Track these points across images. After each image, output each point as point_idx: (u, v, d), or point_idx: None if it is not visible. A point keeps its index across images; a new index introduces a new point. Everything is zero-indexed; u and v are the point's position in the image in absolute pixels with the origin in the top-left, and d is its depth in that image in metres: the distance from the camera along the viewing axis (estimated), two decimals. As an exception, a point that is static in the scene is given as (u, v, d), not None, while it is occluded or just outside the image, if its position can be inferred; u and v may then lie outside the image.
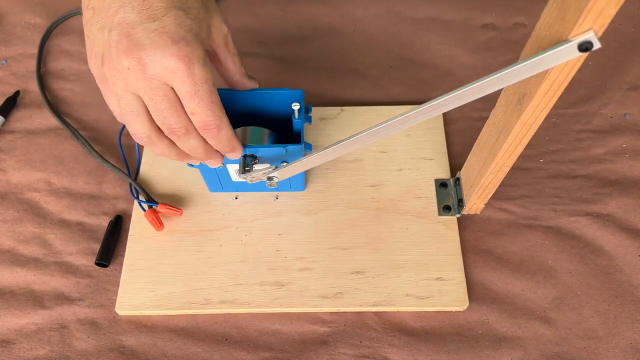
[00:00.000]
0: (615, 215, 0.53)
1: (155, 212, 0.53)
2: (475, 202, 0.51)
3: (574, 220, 0.53)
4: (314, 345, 0.48)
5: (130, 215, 0.54)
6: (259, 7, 0.69)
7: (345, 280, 0.50)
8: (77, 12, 0.68)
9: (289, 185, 0.54)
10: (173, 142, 0.40)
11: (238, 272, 0.51)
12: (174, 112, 0.37)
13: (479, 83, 0.33)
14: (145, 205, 0.53)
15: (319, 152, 0.42)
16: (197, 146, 0.41)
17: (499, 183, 0.47)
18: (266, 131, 0.48)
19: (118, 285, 0.51)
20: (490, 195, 0.49)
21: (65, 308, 0.50)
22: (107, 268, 0.52)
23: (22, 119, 0.61)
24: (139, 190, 0.54)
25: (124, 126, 0.57)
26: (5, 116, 0.60)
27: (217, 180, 0.53)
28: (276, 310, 0.50)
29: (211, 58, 0.42)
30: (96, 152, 0.57)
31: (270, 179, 0.46)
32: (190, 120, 0.38)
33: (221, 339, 0.49)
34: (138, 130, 0.39)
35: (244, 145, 0.45)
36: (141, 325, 0.49)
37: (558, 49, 0.30)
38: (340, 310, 0.50)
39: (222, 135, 0.40)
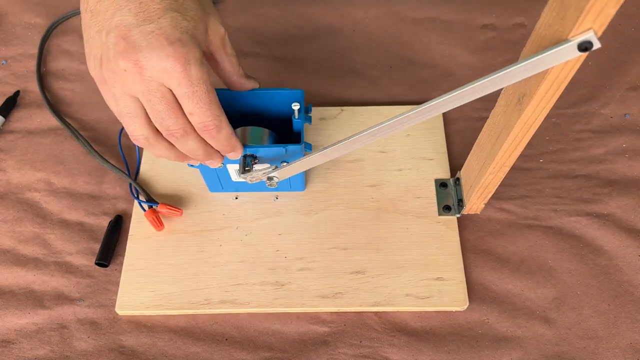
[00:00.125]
0: (615, 215, 0.53)
1: (156, 212, 0.53)
2: (475, 202, 0.51)
3: (574, 220, 0.53)
4: (314, 345, 0.48)
5: (130, 215, 0.54)
6: (259, 7, 0.69)
7: (345, 280, 0.50)
8: (77, 12, 0.68)
9: (289, 185, 0.54)
10: (172, 143, 0.40)
11: (238, 272, 0.51)
12: (171, 114, 0.37)
13: (478, 83, 0.33)
14: (145, 205, 0.53)
15: (319, 152, 0.42)
16: (197, 147, 0.41)
17: (499, 183, 0.47)
18: (266, 131, 0.48)
19: (118, 285, 0.51)
20: (490, 195, 0.49)
21: (65, 308, 0.50)
22: (107, 268, 0.52)
23: (22, 119, 0.61)
24: (139, 190, 0.54)
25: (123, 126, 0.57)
26: (5, 116, 0.60)
27: (217, 180, 0.53)
28: (276, 310, 0.50)
29: (209, 59, 0.42)
30: (96, 152, 0.57)
31: (270, 179, 0.46)
32: (189, 122, 0.38)
33: (221, 339, 0.49)
34: (136, 132, 0.39)
35: (244, 145, 0.45)
36: (141, 325, 0.49)
37: (558, 48, 0.30)
38: (340, 310, 0.50)
39: (221, 135, 0.40)
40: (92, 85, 0.62)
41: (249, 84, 0.46)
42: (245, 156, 0.45)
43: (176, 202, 0.55)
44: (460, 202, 0.53)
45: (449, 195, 0.54)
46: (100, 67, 0.37)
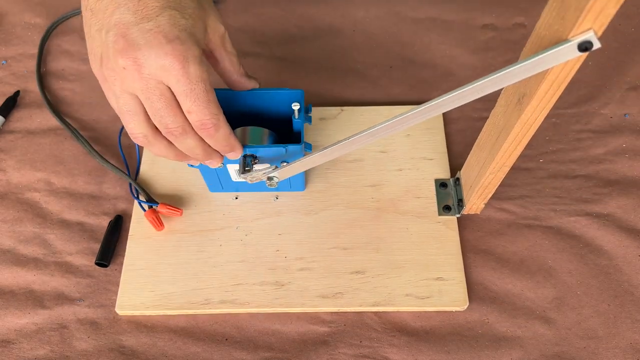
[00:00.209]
0: (615, 215, 0.53)
1: (156, 212, 0.53)
2: (475, 202, 0.51)
3: (573, 220, 0.53)
4: (314, 345, 0.48)
5: (130, 215, 0.54)
6: (259, 7, 0.69)
7: (345, 280, 0.50)
8: (77, 12, 0.68)
9: (289, 185, 0.54)
10: (171, 142, 0.40)
11: (238, 272, 0.51)
12: (170, 112, 0.37)
13: (478, 83, 0.33)
14: (145, 205, 0.53)
15: (319, 152, 0.42)
16: (195, 146, 0.41)
17: (499, 183, 0.47)
18: (266, 131, 0.48)
19: (118, 285, 0.51)
20: (490, 195, 0.49)
21: (65, 308, 0.50)
22: (107, 268, 0.52)
23: (22, 119, 0.61)
24: (139, 190, 0.54)
25: (123, 126, 0.57)
26: (5, 116, 0.60)
27: (217, 180, 0.53)
28: (276, 310, 0.50)
29: (209, 58, 0.42)
30: (96, 152, 0.57)
31: (270, 179, 0.46)
32: (187, 120, 0.38)
33: (221, 339, 0.49)
34: (135, 129, 0.39)
35: (244, 145, 0.45)
36: (141, 325, 0.49)
37: (558, 48, 0.30)
38: (340, 310, 0.50)
39: (219, 134, 0.40)
40: (92, 85, 0.62)
41: (249, 84, 0.46)
42: (245, 156, 0.45)
43: (176, 202, 0.55)
44: (460, 202, 0.53)
45: (449, 195, 0.54)
46: (100, 65, 0.37)
